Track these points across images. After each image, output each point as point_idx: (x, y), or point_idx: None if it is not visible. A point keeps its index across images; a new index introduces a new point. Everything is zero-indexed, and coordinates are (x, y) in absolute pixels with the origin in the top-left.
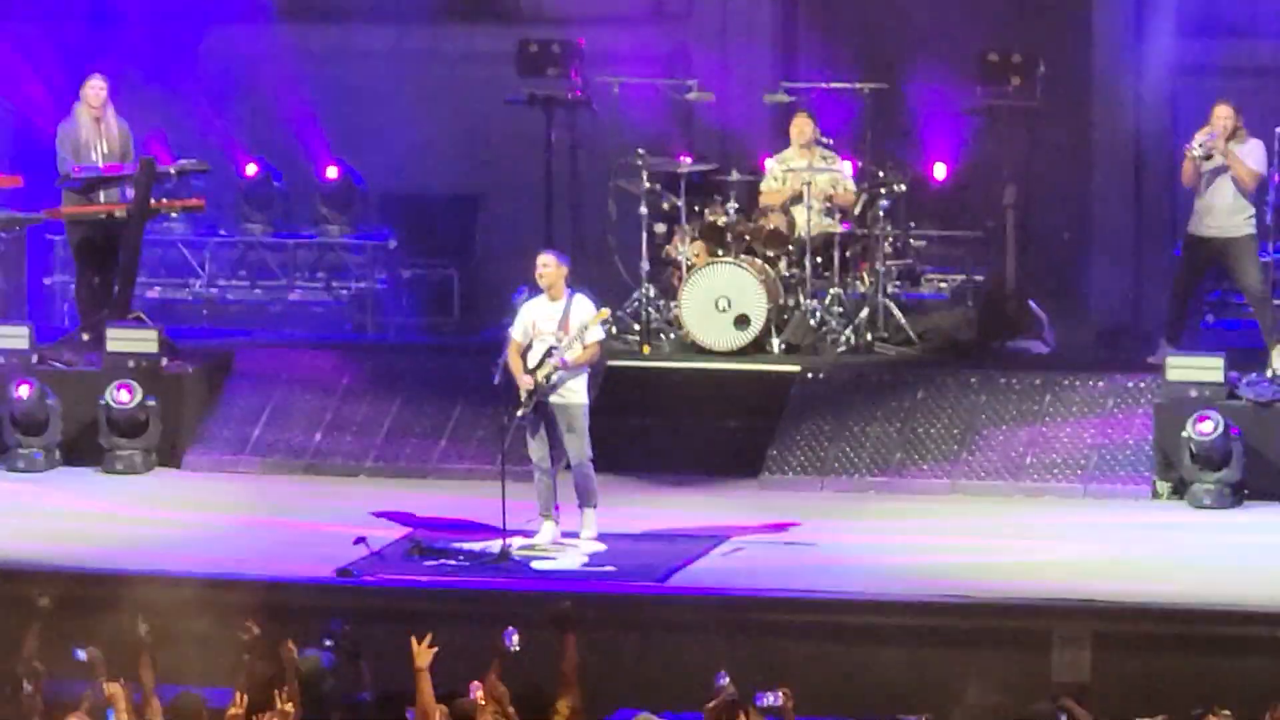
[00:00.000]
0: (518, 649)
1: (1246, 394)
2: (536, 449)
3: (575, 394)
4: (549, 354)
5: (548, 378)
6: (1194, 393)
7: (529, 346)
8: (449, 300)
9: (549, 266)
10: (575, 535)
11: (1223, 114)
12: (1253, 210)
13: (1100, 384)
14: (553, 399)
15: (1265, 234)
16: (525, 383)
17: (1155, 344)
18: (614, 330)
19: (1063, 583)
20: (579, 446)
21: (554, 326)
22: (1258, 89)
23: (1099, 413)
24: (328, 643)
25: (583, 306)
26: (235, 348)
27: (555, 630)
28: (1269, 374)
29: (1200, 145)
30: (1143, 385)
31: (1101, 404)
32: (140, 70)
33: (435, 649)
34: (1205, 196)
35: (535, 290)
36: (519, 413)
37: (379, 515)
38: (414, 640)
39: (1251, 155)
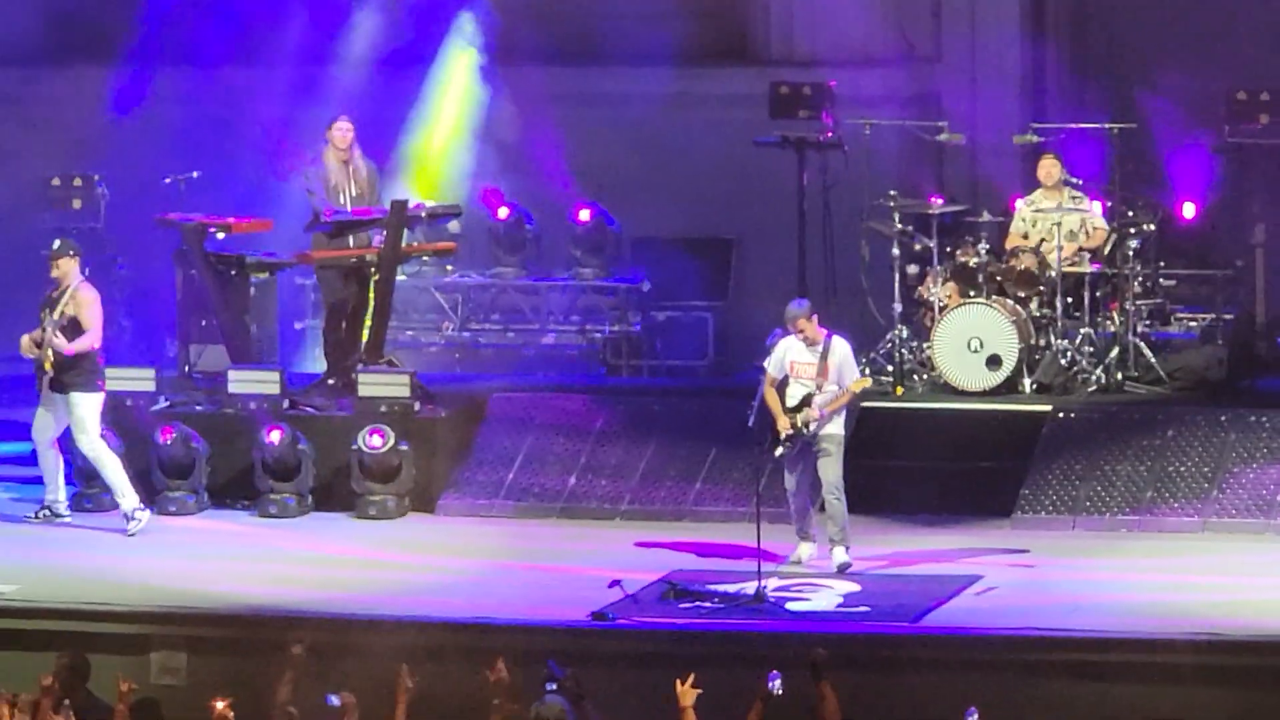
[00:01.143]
0: (780, 693)
1: None
2: (794, 481)
3: (834, 425)
4: (808, 400)
5: (806, 425)
6: None
7: (784, 382)
8: (703, 343)
9: (803, 324)
10: (828, 574)
11: None
12: None
13: None
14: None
15: None
16: (784, 424)
17: None
18: (867, 372)
19: None
20: (833, 472)
21: (813, 370)
22: None
23: None
24: (551, 686)
25: (841, 350)
26: (488, 392)
27: (811, 677)
28: None
29: None
30: None
31: None
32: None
33: (699, 690)
34: None
35: (789, 334)
36: (777, 452)
37: (635, 558)
38: (677, 682)
39: None
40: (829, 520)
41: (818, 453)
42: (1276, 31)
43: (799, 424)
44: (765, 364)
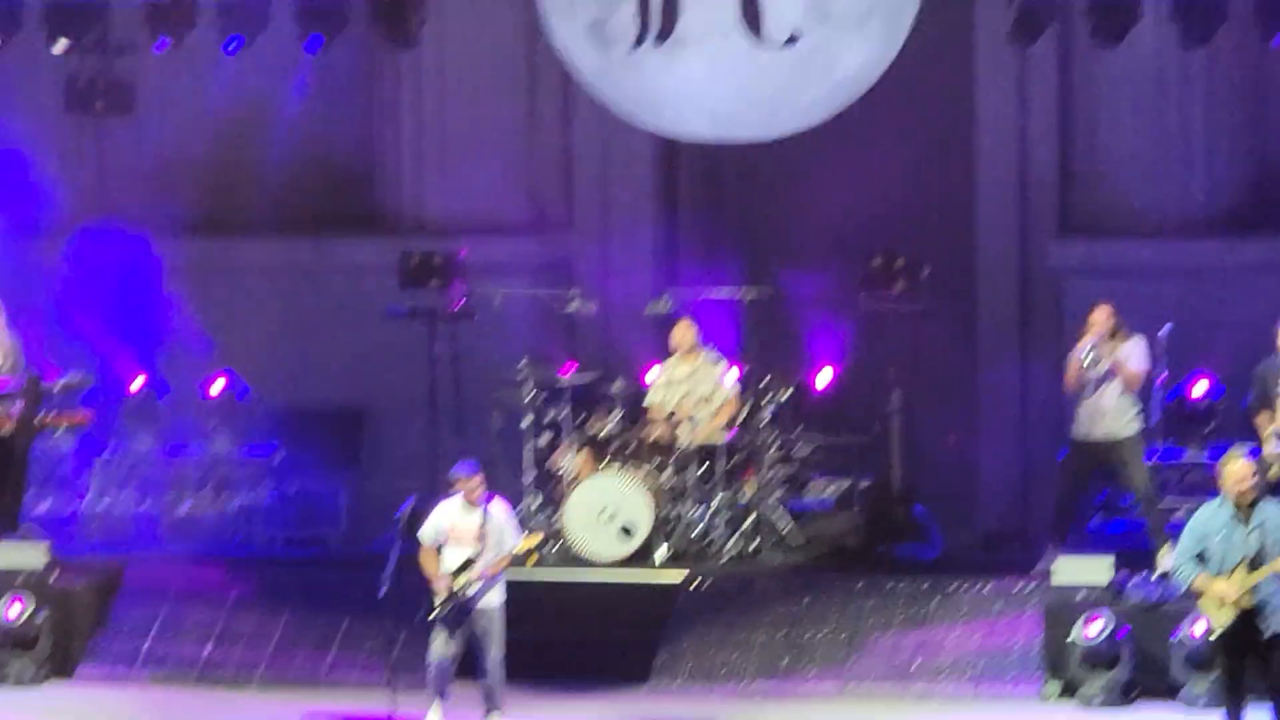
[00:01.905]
0: None
1: (1135, 595)
2: (441, 647)
3: (494, 595)
4: (468, 564)
5: (466, 588)
6: (1082, 594)
7: (442, 548)
8: (336, 513)
9: (469, 484)
10: None
11: (1103, 316)
12: (1138, 409)
13: (987, 588)
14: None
15: (1151, 435)
16: (441, 586)
17: (1043, 547)
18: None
19: None
20: (495, 649)
21: (473, 535)
22: (1139, 289)
23: (986, 616)
24: None
25: (501, 513)
26: (125, 561)
27: None
28: (1157, 574)
29: (1090, 351)
30: (1030, 588)
31: (989, 607)
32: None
33: None
34: (1091, 399)
35: (421, 503)
36: (432, 616)
37: None
38: None
39: (1134, 355)
40: (485, 689)
41: (478, 626)
42: (910, 199)
43: (457, 588)
44: (420, 534)
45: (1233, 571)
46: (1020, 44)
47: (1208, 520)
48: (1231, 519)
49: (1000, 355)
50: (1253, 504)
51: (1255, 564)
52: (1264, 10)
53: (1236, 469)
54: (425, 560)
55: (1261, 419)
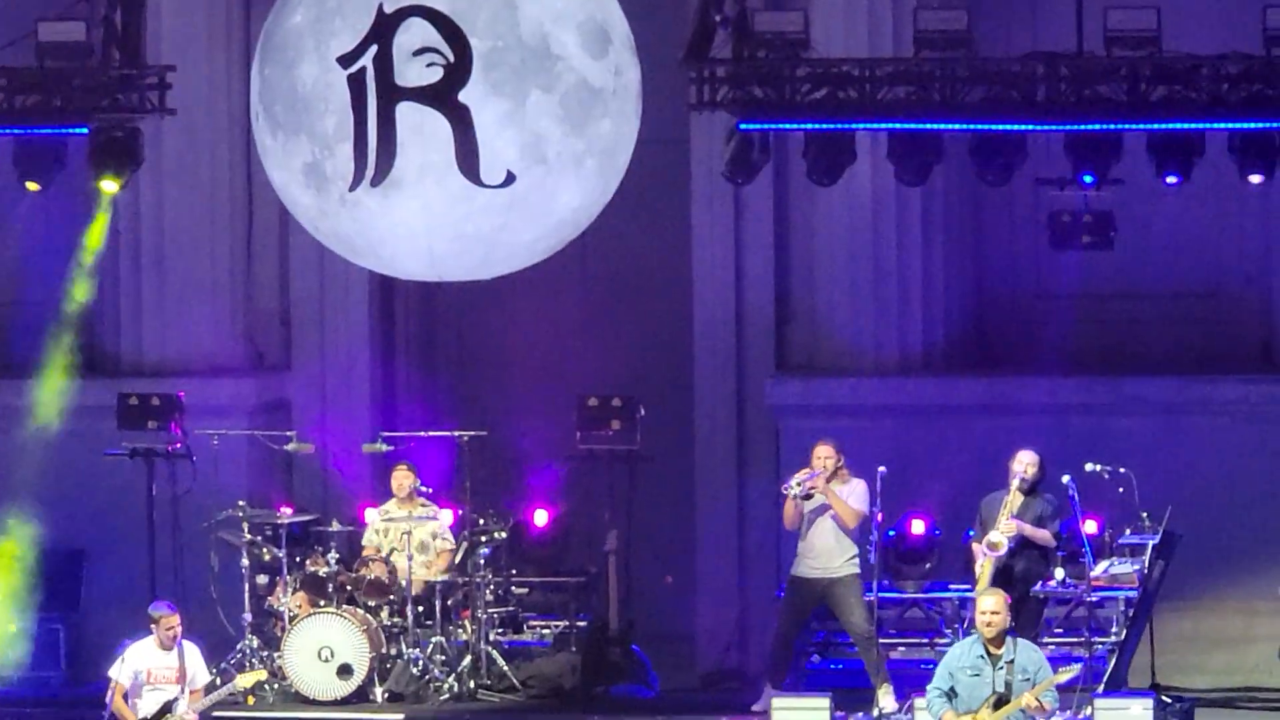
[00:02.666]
0: None
1: None
2: None
3: None
4: (168, 708)
5: None
6: None
7: (138, 690)
8: (56, 654)
9: (174, 623)
10: None
11: (824, 454)
12: (856, 550)
13: None
14: None
15: (869, 573)
16: None
17: (760, 686)
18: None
19: None
20: None
21: (172, 675)
22: (856, 427)
23: None
24: None
25: (194, 651)
26: None
27: None
28: (875, 713)
29: (799, 485)
30: None
31: None
32: None
33: None
34: (808, 537)
35: (138, 641)
36: None
37: None
38: None
39: (854, 495)
40: None
41: None
42: (628, 338)
43: None
44: (111, 672)
45: (979, 709)
46: (736, 182)
47: (959, 656)
48: (981, 656)
49: (718, 494)
50: (1002, 641)
51: (1002, 702)
52: (980, 150)
53: (986, 605)
54: (118, 705)
55: (979, 549)
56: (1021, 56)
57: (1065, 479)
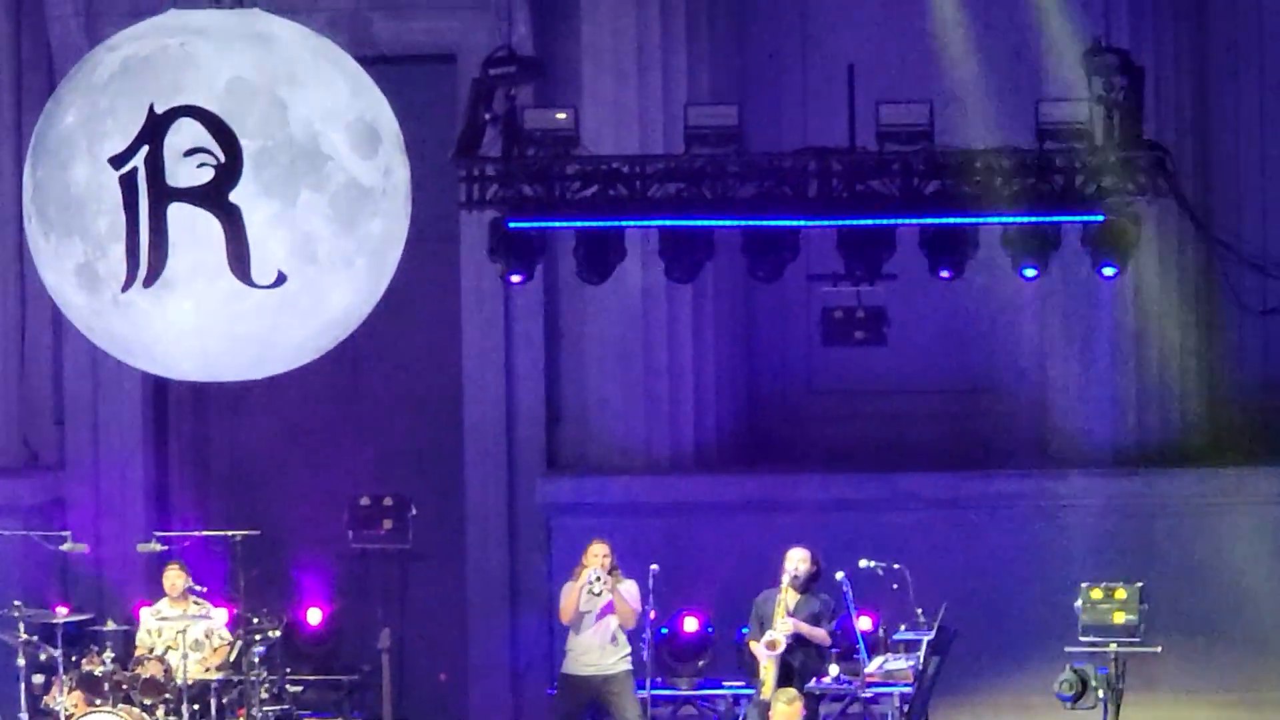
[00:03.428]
0: None
1: None
2: None
3: None
4: None
5: None
6: None
7: None
8: None
9: None
10: None
11: (598, 551)
12: (629, 648)
13: None
14: None
15: (641, 671)
16: None
17: None
18: None
19: None
20: None
21: None
22: (628, 525)
23: None
24: None
25: None
26: None
27: None
28: None
29: (598, 579)
30: None
31: None
32: None
33: None
34: (582, 634)
35: None
36: None
37: None
38: None
39: (629, 593)
40: None
41: None
42: (399, 437)
43: None
44: None
45: None
46: (506, 277)
47: None
48: None
49: (490, 593)
50: None
51: None
52: (751, 246)
53: (781, 708)
54: None
55: (758, 648)
56: (793, 152)
57: (839, 576)
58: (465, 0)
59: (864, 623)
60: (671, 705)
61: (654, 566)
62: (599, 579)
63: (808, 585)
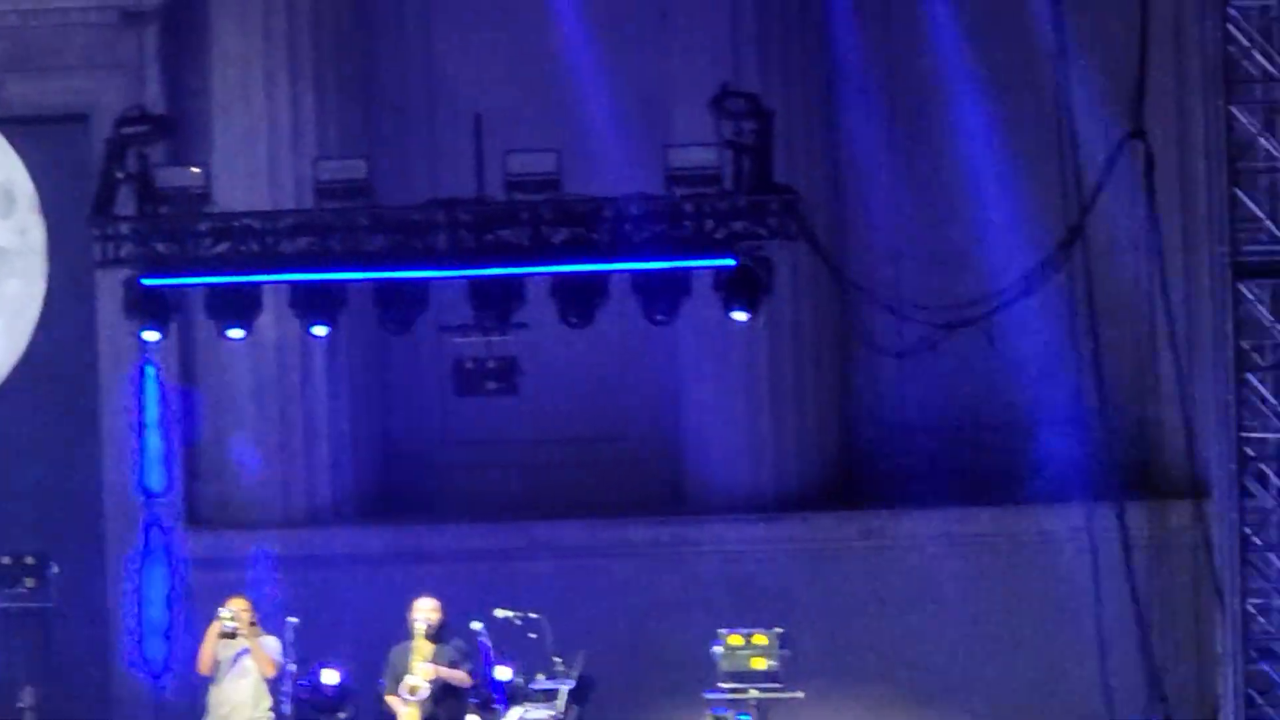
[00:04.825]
0: None
1: None
2: None
3: None
4: None
5: None
6: None
7: None
8: None
9: None
10: None
11: (239, 606)
12: (271, 700)
13: None
14: None
15: None
16: None
17: None
18: None
19: None
20: None
21: None
22: (267, 580)
23: None
24: None
25: None
26: None
27: None
28: None
29: (230, 616)
30: None
31: None
32: None
33: None
34: (222, 686)
35: None
36: None
37: None
38: None
39: (270, 647)
40: None
41: None
42: (36, 499)
43: None
44: None
45: None
46: (139, 334)
47: None
48: None
49: (133, 650)
50: None
51: None
52: (382, 298)
53: None
54: None
55: (394, 700)
56: (421, 204)
57: (477, 625)
58: (98, 60)
59: (503, 672)
60: None
61: (292, 619)
62: (231, 616)
63: (440, 634)
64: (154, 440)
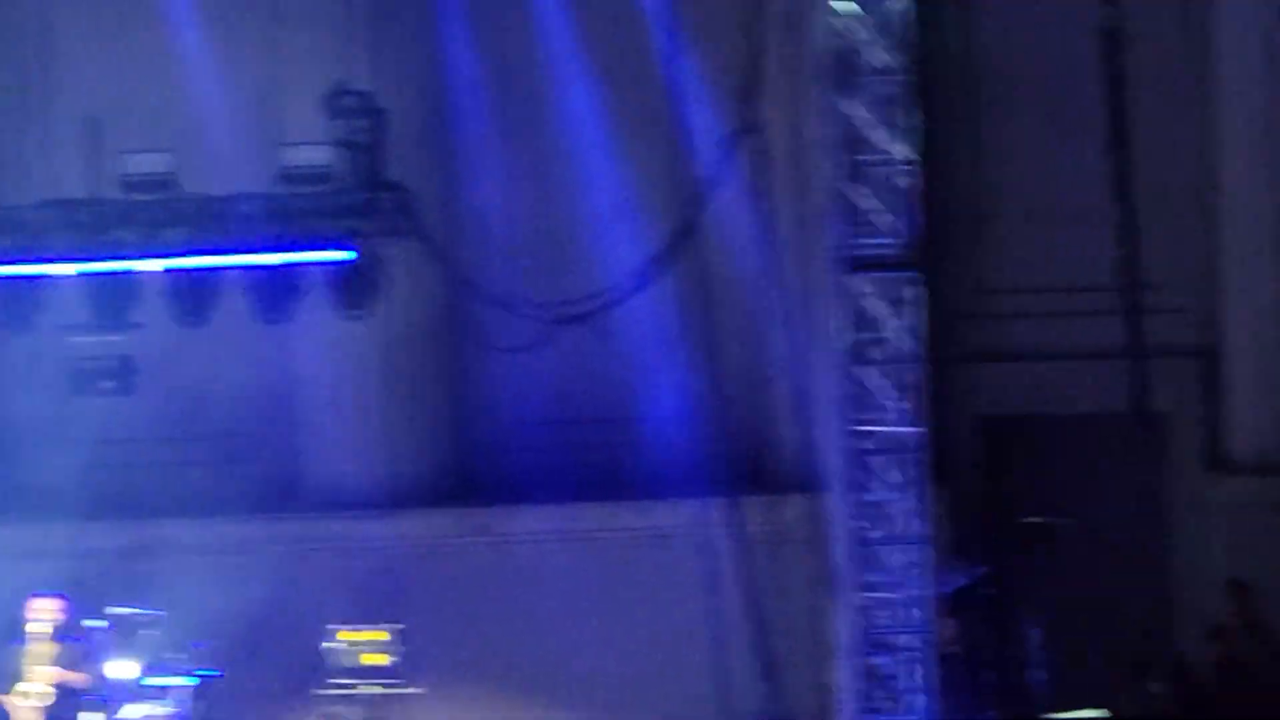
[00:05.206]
0: None
1: None
2: None
3: None
4: None
5: None
6: None
7: None
8: None
9: None
10: None
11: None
12: None
13: None
14: None
15: None
16: None
17: None
18: None
19: None
20: None
21: None
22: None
23: None
24: None
25: None
26: None
27: None
28: None
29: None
30: None
31: None
32: None
33: None
34: None
35: None
36: None
37: None
38: None
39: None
40: None
41: None
42: None
43: None
44: None
45: None
46: None
47: None
48: None
49: None
50: None
51: None
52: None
53: None
54: None
55: (9, 701)
56: (37, 204)
57: (94, 623)
58: None
59: (124, 670)
60: None
61: None
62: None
63: (60, 633)
64: None
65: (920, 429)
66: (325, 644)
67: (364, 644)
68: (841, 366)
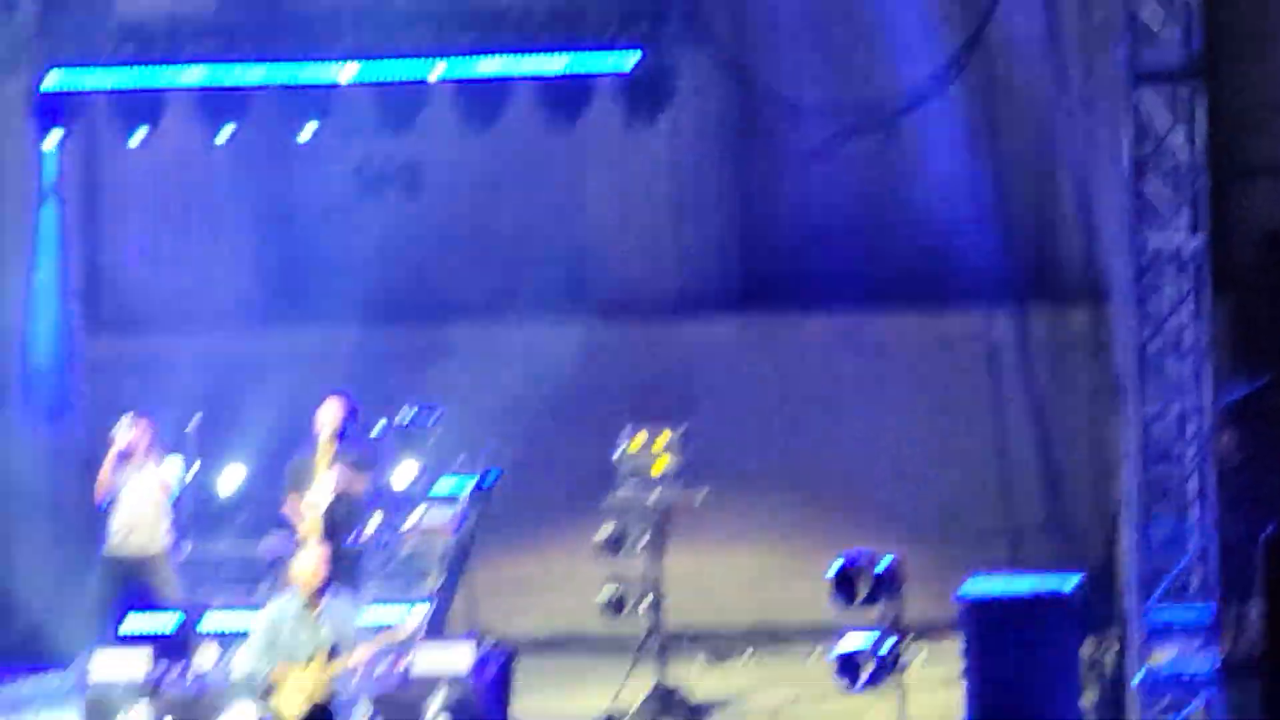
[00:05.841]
0: None
1: (172, 689)
2: None
3: None
4: None
5: None
6: (120, 689)
7: None
8: None
9: None
10: None
11: (139, 429)
12: (169, 521)
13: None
14: None
15: (183, 531)
16: None
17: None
18: None
19: None
20: None
21: None
22: (169, 382)
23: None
24: None
25: None
26: None
27: None
28: (193, 669)
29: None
30: (69, 684)
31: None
32: None
33: None
34: (121, 509)
35: None
36: None
37: None
38: None
39: (168, 470)
40: None
41: None
42: None
43: None
44: None
45: (307, 663)
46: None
47: (279, 611)
48: (300, 610)
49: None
50: (320, 596)
51: (330, 656)
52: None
53: (302, 563)
54: None
55: (289, 508)
56: (328, 7)
57: (380, 425)
58: None
59: (404, 473)
60: (213, 566)
61: (193, 420)
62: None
63: (343, 434)
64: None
65: (1202, 240)
66: (612, 450)
67: (649, 451)
68: (1124, 177)
